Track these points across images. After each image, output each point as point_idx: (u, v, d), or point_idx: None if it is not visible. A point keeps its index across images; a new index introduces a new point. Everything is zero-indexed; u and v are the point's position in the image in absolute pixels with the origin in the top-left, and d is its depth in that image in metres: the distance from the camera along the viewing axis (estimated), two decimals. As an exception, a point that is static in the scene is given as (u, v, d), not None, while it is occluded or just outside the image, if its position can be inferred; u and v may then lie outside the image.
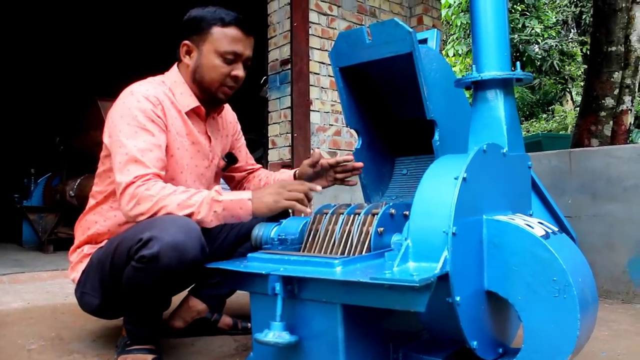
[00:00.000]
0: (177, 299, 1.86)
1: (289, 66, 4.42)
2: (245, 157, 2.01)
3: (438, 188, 1.23)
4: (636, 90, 4.76)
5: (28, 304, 2.51)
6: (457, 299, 1.14)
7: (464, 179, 1.20)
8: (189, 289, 1.90)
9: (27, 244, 5.46)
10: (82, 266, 1.67)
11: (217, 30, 1.63)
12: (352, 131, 4.66)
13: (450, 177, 1.22)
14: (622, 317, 2.08)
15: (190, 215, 1.45)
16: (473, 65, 1.55)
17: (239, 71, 1.67)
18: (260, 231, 1.69)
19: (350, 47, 1.71)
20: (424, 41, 1.84)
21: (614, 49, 4.61)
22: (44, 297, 2.67)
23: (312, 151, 1.70)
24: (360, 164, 1.80)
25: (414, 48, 1.54)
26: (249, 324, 1.82)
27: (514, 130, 1.50)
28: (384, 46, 1.62)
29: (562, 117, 13.41)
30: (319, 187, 1.54)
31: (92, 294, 1.62)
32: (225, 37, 1.63)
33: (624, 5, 4.61)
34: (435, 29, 1.89)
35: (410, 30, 1.54)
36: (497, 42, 1.51)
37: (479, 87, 1.53)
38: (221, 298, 1.91)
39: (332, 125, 4.60)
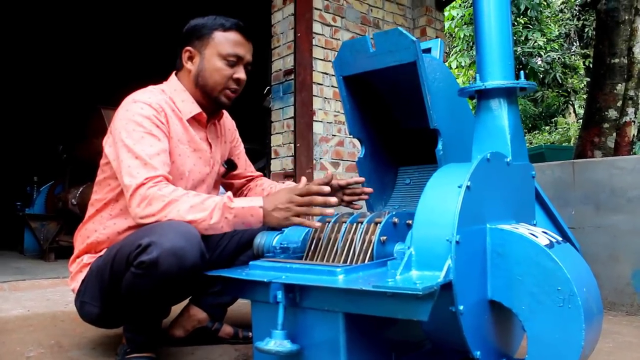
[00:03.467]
0: (177, 308, 1.85)
1: (293, 76, 4.43)
2: (244, 164, 2.01)
3: (442, 196, 1.22)
4: (639, 102, 4.75)
5: (28, 311, 2.49)
6: (461, 308, 1.13)
7: (467, 187, 1.19)
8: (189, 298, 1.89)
9: (28, 252, 5.45)
10: (82, 276, 1.66)
11: (219, 35, 1.67)
12: (355, 142, 4.68)
13: (454, 185, 1.21)
14: (627, 329, 2.06)
15: (201, 220, 1.44)
16: (477, 74, 1.55)
17: (241, 74, 1.69)
18: (262, 240, 1.69)
19: (353, 56, 1.71)
20: (427, 50, 1.84)
21: (617, 61, 4.61)
22: (44, 305, 2.65)
23: (326, 172, 1.69)
24: (370, 190, 1.78)
25: (417, 57, 1.54)
26: (250, 334, 1.80)
27: (518, 140, 1.50)
28: (387, 55, 1.62)
29: (565, 129, 13.42)
30: (327, 188, 1.47)
31: (92, 303, 1.61)
32: (227, 41, 1.67)
33: (626, 17, 4.62)
34: (439, 39, 1.89)
35: (414, 39, 1.54)
36: (501, 52, 1.51)
37: (482, 96, 1.53)
38: (222, 307, 1.89)
39: (335, 135, 4.60)
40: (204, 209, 1.45)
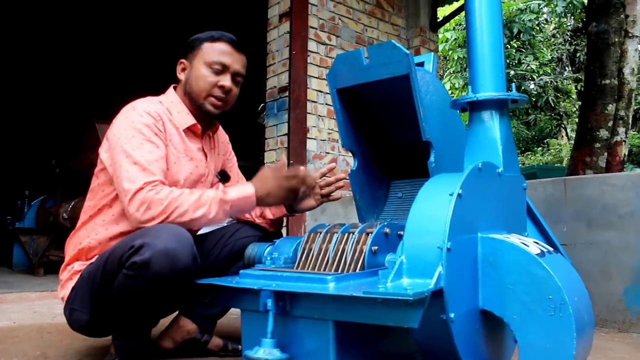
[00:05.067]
0: (166, 321, 1.83)
1: (287, 94, 4.45)
2: (236, 177, 2.03)
3: (433, 204, 1.22)
4: (630, 121, 4.81)
5: (14, 323, 2.45)
6: (452, 315, 1.13)
7: (459, 195, 1.20)
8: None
9: (17, 267, 5.38)
10: (72, 283, 1.65)
11: (207, 45, 1.74)
12: (349, 160, 4.69)
13: (446, 193, 1.21)
14: (619, 346, 2.05)
15: (201, 217, 1.50)
16: (469, 86, 1.56)
17: (226, 82, 1.72)
18: (253, 250, 1.68)
19: (347, 69, 1.72)
20: (420, 64, 1.86)
21: (607, 82, 4.68)
22: (31, 317, 2.61)
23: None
24: (342, 175, 1.85)
25: (410, 70, 1.55)
26: (240, 346, 1.78)
27: (509, 151, 1.51)
28: (381, 68, 1.63)
29: (557, 150, 13.52)
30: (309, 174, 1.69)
31: (82, 310, 1.59)
32: (213, 50, 1.73)
33: (617, 39, 4.71)
34: (432, 53, 1.91)
35: (407, 52, 1.56)
36: (493, 64, 1.53)
37: (474, 107, 1.54)
38: (212, 318, 1.87)
39: (328, 153, 4.62)
40: (202, 205, 1.50)
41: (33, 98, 7.66)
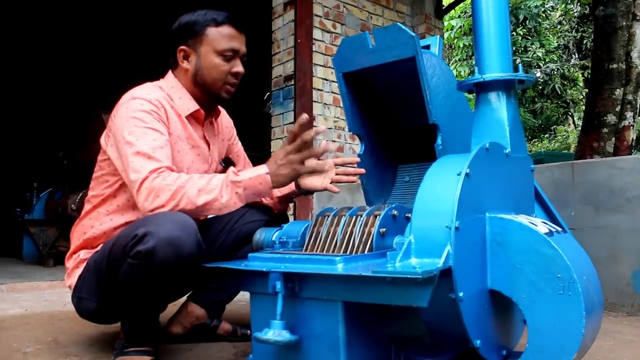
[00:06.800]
0: (174, 307, 1.84)
1: (293, 82, 4.45)
2: (243, 162, 2.00)
3: (441, 184, 1.22)
4: (638, 106, 4.78)
5: (26, 310, 2.48)
6: (460, 294, 1.13)
7: (466, 174, 1.19)
8: (187, 295, 1.88)
9: (27, 258, 5.43)
10: (79, 272, 1.66)
11: (212, 31, 1.67)
12: (355, 148, 4.68)
13: (454, 173, 1.21)
14: (628, 329, 2.04)
15: (213, 201, 1.44)
16: (475, 68, 1.55)
17: (239, 67, 1.70)
18: (261, 235, 1.68)
19: (353, 53, 1.72)
20: (426, 47, 1.85)
21: (615, 66, 4.64)
22: (42, 305, 2.64)
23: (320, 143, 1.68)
24: (362, 171, 1.77)
25: (416, 52, 1.54)
26: (249, 331, 1.79)
27: (516, 132, 1.50)
28: (387, 51, 1.62)
29: (564, 137, 13.45)
30: (314, 129, 1.51)
31: (89, 298, 1.60)
32: (221, 36, 1.67)
33: (624, 23, 4.66)
34: (438, 36, 1.90)
35: (413, 34, 1.55)
36: (499, 44, 1.51)
37: (481, 88, 1.53)
38: (221, 303, 1.88)
39: (334, 141, 4.61)
40: (212, 189, 1.44)
41: (39, 91, 7.69)
